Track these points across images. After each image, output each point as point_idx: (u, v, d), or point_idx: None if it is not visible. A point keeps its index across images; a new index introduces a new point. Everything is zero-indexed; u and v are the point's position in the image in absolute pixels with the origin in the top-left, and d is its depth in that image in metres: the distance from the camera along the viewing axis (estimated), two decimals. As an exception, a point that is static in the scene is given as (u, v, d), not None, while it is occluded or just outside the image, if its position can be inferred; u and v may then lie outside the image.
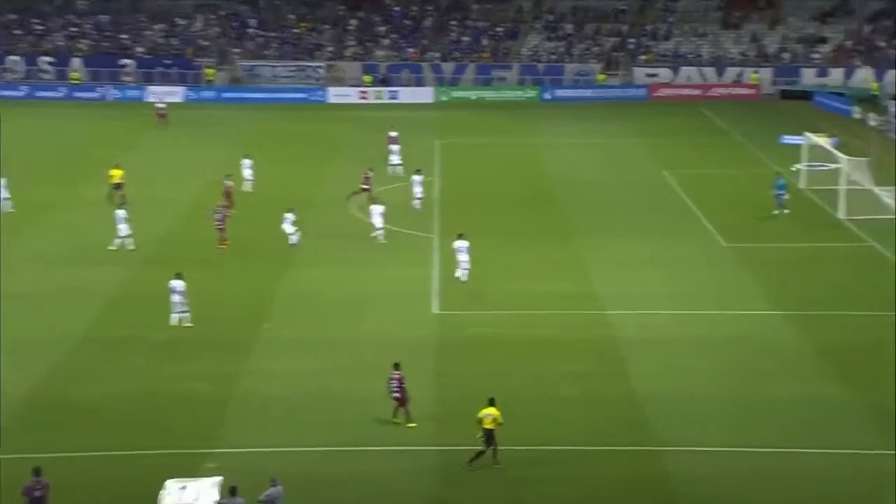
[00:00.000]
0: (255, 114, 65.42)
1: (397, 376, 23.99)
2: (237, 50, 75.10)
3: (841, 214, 40.69)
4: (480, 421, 22.11)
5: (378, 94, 71.40)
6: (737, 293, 32.76)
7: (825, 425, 23.94)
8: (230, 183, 42.87)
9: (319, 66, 73.98)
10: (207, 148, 53.83)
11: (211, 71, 72.42)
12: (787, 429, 23.80)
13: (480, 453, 22.00)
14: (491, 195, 45.53)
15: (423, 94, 71.72)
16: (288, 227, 37.58)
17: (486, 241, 35.58)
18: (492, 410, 22.10)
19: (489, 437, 21.95)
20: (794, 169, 46.35)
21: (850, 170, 41.84)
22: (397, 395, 23.84)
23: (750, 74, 72.34)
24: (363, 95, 71.39)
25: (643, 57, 74.57)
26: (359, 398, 25.29)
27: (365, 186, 42.39)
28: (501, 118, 65.49)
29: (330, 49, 75.88)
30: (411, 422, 23.97)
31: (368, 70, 73.63)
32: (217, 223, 37.41)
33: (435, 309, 31.71)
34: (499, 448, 22.06)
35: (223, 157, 50.38)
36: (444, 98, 71.76)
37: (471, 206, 43.37)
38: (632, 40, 75.94)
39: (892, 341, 28.79)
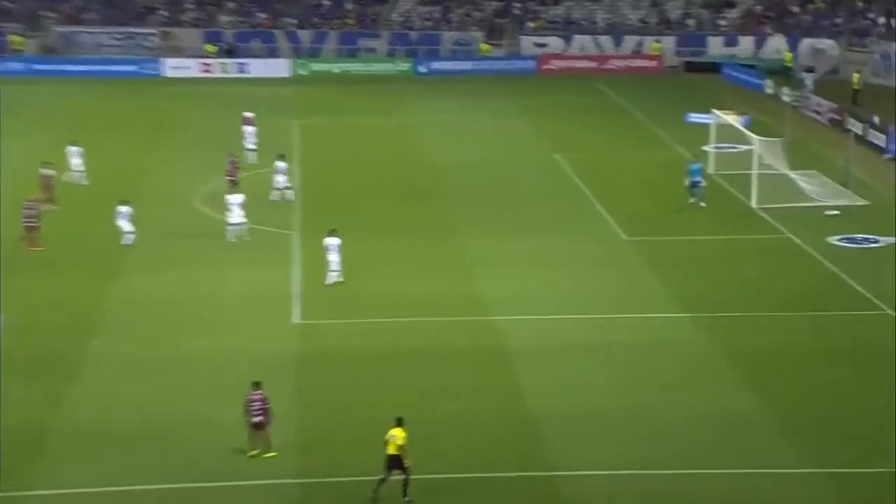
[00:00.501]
0: (75, 90, 63.97)
1: (258, 397, 23.84)
2: (51, 13, 73.17)
3: (753, 202, 42.01)
4: (385, 444, 22.20)
5: (224, 67, 70.62)
6: (640, 293, 33.53)
7: (738, 442, 24.65)
8: (49, 172, 41.92)
9: (152, 34, 72.76)
10: (15, 131, 52.30)
11: (18, 38, 70.40)
12: (699, 447, 24.47)
13: (381, 481, 22.04)
14: (360, 184, 45.54)
15: (278, 67, 71.25)
16: (124, 224, 36.93)
17: (355, 237, 35.59)
18: (397, 432, 22.17)
19: (393, 463, 22.00)
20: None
21: (762, 152, 43.19)
22: (259, 418, 23.69)
23: (651, 44, 74.01)
24: (206, 68, 70.53)
25: (531, 24, 75.59)
26: (207, 425, 25.01)
27: (232, 177, 42.01)
28: (370, 95, 65.49)
29: (164, 13, 74.63)
30: (270, 450, 23.85)
31: (211, 38, 72.73)
32: (27, 220, 36.55)
33: (296, 318, 31.60)
34: (384, 479, 22.00)
35: (37, 141, 49.15)
36: (303, 71, 71.40)
37: (337, 197, 43.34)
38: (517, 5, 76.88)
39: (808, 344, 29.93)
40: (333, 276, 33.60)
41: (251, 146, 48.22)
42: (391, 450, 22.05)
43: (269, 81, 68.40)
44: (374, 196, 43.79)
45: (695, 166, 42.34)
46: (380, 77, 70.80)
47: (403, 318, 31.35)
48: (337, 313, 31.78)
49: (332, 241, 33.77)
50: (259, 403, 23.76)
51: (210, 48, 71.78)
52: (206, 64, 70.62)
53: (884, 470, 23.27)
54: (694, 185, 41.76)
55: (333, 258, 33.61)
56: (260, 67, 70.80)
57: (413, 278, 34.50)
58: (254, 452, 23.75)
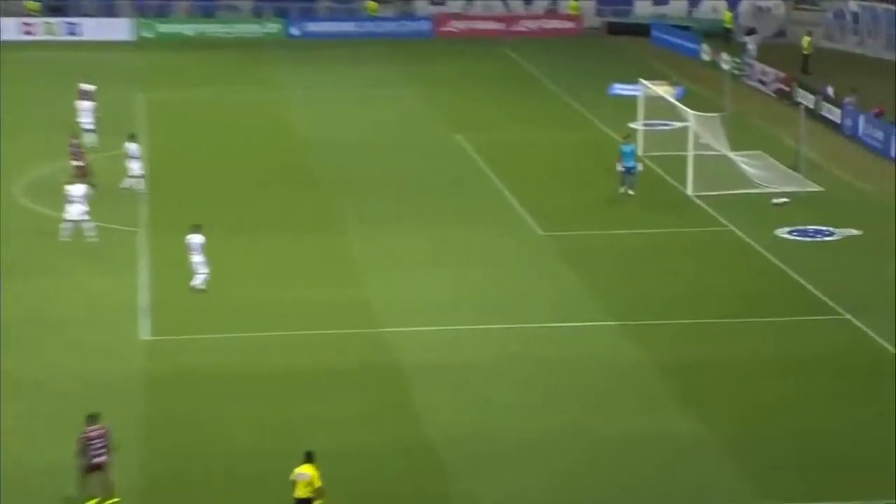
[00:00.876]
0: None
1: (97, 432, 23.45)
2: None
3: (689, 189, 42.64)
4: (292, 485, 21.98)
5: (49, 28, 69.78)
6: (559, 298, 33.79)
7: (680, 471, 24.96)
8: None
9: (-41, -14, 71.51)
10: None
11: None
12: (633, 477, 24.70)
13: None
14: (222, 170, 45.38)
15: (117, 29, 70.49)
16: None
17: (216, 234, 35.32)
18: (307, 469, 22.04)
19: None
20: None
21: (699, 129, 43.86)
22: (102, 458, 23.28)
23: (568, 2, 74.72)
24: (27, 29, 69.57)
25: (414, -22, 75.73)
26: (30, 469, 24.56)
27: (79, 162, 41.43)
28: (233, 63, 65.20)
29: (-25, -39, 73.27)
30: (113, 496, 23.53)
31: (34, -7, 71.76)
32: None
33: (144, 334, 31.33)
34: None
35: None
36: (149, 34, 70.70)
37: (193, 187, 43.12)
38: (409, -46, 77.01)
39: (755, 355, 30.44)
40: (200, 279, 33.40)
41: (88, 126, 47.56)
42: (300, 492, 21.91)
43: (106, 46, 67.65)
44: (238, 185, 43.58)
45: (627, 148, 42.49)
46: (244, 41, 70.39)
47: (276, 332, 31.21)
48: (194, 327, 31.53)
49: (196, 239, 33.59)
50: (99, 441, 23.35)
51: (31, 5, 70.83)
52: (26, 24, 69.61)
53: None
54: (628, 170, 42.01)
55: (198, 259, 33.46)
56: (94, 29, 69.96)
57: (288, 283, 34.37)
58: (91, 503, 23.34)
